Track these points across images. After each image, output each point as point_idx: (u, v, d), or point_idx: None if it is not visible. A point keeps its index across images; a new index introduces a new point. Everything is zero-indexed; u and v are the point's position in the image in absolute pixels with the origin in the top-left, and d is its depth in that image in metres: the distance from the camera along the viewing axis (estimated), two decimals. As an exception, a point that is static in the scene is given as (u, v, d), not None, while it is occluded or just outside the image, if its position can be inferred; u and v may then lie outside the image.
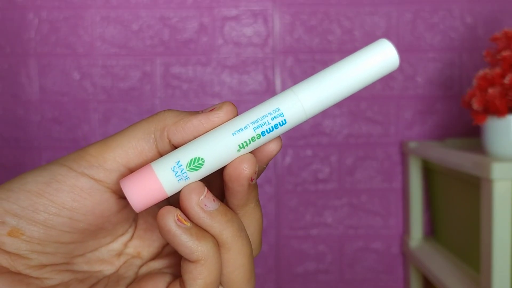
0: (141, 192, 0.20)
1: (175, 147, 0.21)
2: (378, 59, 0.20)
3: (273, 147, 0.22)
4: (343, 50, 0.83)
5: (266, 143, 0.21)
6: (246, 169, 0.20)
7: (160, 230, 0.20)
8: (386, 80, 0.84)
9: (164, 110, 0.21)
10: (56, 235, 0.20)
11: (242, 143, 0.20)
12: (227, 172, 0.21)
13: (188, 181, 0.20)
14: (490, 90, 0.57)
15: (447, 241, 0.77)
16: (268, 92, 0.83)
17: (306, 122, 0.83)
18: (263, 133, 0.20)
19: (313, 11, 0.83)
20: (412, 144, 0.79)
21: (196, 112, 0.21)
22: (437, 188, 0.79)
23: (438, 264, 0.71)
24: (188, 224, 0.20)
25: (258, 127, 0.20)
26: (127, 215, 0.23)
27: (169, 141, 0.21)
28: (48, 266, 0.21)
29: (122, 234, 0.24)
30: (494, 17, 0.84)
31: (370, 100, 0.84)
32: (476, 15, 0.83)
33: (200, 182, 0.21)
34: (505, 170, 0.51)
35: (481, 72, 0.60)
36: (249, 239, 0.21)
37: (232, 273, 0.21)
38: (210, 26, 0.82)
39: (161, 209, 0.20)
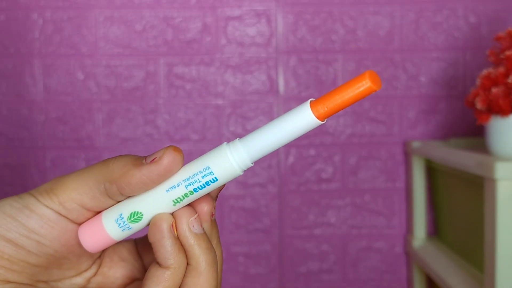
0: (93, 239, 0.23)
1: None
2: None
3: (205, 207, 0.23)
4: (346, 49, 0.83)
5: (199, 203, 0.23)
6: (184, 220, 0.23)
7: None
8: (390, 80, 0.84)
9: (114, 159, 0.23)
10: (24, 254, 0.22)
11: (176, 199, 0.22)
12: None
13: (131, 231, 0.23)
14: (494, 90, 0.57)
15: (450, 240, 0.77)
16: (271, 92, 0.83)
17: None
18: (195, 190, 0.22)
19: (316, 10, 0.83)
20: (416, 144, 0.79)
21: (141, 163, 0.22)
22: (441, 187, 0.79)
23: (442, 264, 0.71)
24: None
25: (189, 184, 0.22)
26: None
27: (120, 193, 0.23)
28: (12, 283, 0.23)
29: (86, 270, 0.26)
30: (498, 16, 0.83)
31: (373, 100, 0.84)
32: (480, 14, 0.83)
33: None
34: (508, 169, 0.51)
35: (484, 72, 0.60)
36: (218, 275, 0.23)
37: None
38: (213, 26, 0.82)
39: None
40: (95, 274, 0.26)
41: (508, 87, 0.56)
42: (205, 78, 0.83)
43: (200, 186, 0.22)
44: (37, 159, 0.83)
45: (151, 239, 0.22)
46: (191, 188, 0.22)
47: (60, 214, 0.23)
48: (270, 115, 0.84)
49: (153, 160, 0.22)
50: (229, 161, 0.21)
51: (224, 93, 0.83)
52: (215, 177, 0.22)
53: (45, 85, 0.82)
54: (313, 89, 0.83)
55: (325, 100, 0.20)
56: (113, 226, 0.23)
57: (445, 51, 0.84)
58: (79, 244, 0.24)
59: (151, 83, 0.83)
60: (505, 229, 0.52)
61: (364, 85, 0.20)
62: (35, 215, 0.22)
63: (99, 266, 0.26)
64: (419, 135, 0.84)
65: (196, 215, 0.23)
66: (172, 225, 0.22)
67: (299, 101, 0.82)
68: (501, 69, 0.58)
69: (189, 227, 0.22)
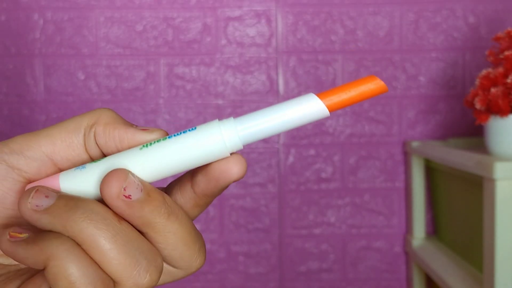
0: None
1: (102, 151, 0.21)
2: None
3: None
4: (346, 50, 0.83)
5: (224, 162, 0.19)
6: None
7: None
8: (389, 80, 0.84)
9: (102, 108, 0.21)
10: None
11: (146, 144, 0.20)
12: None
13: (84, 170, 0.19)
14: (493, 90, 0.57)
15: (449, 240, 0.78)
16: (271, 92, 0.83)
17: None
18: (169, 137, 0.20)
19: (316, 11, 0.83)
20: (415, 144, 0.79)
21: (131, 125, 0.21)
22: (440, 187, 0.80)
23: (441, 263, 0.72)
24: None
25: (170, 137, 0.20)
26: None
27: (95, 141, 0.20)
28: None
29: None
30: (497, 16, 0.84)
31: (373, 100, 0.84)
32: (479, 14, 0.83)
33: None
34: (507, 169, 0.52)
35: (483, 72, 0.60)
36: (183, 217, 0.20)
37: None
38: (213, 26, 0.83)
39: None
40: None
41: (507, 87, 0.57)
42: (205, 78, 0.83)
43: (176, 133, 0.20)
44: (38, 159, 0.83)
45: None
46: (166, 135, 0.20)
47: (12, 168, 0.20)
48: (270, 115, 0.84)
49: (144, 129, 0.20)
50: (218, 128, 0.19)
51: (224, 93, 0.83)
52: (195, 127, 0.20)
53: (46, 85, 0.82)
54: (313, 89, 0.84)
55: (333, 93, 0.19)
56: (69, 173, 0.19)
57: (445, 51, 0.84)
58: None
59: (152, 83, 0.83)
60: (504, 228, 0.53)
61: (377, 83, 0.19)
62: None
63: None
64: (418, 135, 0.85)
65: (128, 178, 0.18)
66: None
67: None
68: (500, 69, 0.58)
69: (121, 196, 0.18)
